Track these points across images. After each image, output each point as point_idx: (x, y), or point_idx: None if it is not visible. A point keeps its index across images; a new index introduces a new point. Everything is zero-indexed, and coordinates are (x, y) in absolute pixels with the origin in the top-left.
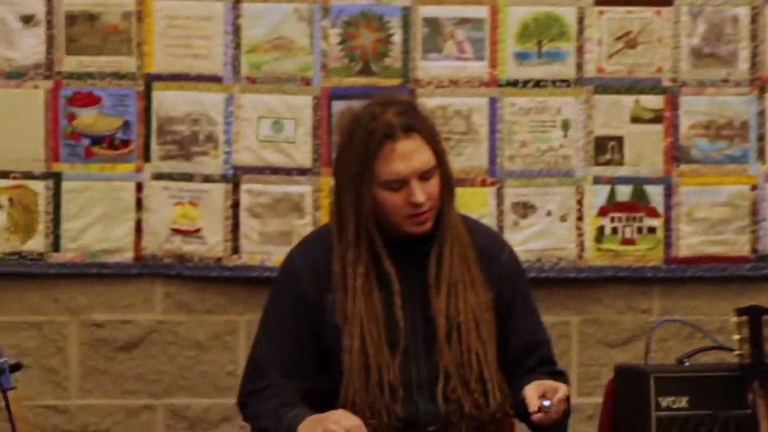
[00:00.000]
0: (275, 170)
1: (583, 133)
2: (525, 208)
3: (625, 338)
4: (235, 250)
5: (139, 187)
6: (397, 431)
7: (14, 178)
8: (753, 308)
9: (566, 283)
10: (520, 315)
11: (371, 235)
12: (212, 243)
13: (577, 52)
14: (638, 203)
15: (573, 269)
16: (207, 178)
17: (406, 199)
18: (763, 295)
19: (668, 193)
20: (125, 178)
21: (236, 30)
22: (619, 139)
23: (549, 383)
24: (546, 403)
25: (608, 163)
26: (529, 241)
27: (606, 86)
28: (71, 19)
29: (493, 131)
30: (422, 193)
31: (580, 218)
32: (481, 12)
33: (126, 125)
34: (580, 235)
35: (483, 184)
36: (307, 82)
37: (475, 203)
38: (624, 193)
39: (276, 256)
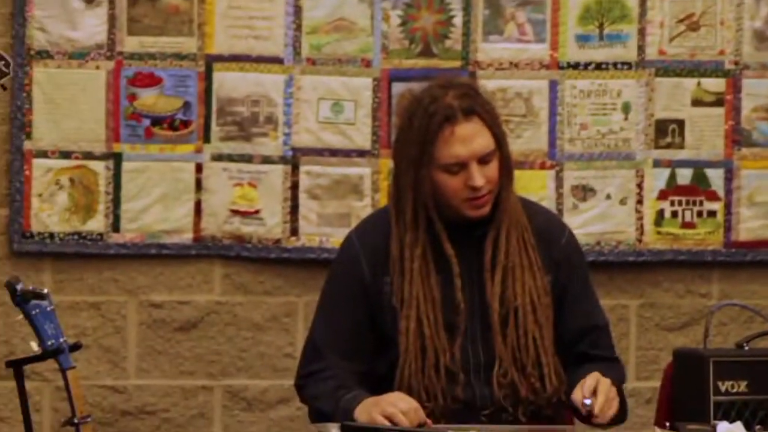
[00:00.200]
0: (334, 152)
1: (644, 116)
2: (584, 192)
3: (683, 322)
4: (294, 231)
5: (199, 168)
6: (452, 414)
7: (75, 158)
8: None
9: (625, 267)
10: (577, 298)
11: (430, 217)
12: (271, 224)
13: (639, 35)
14: (698, 187)
15: (632, 253)
16: (266, 160)
17: (465, 183)
18: None
19: (729, 177)
20: (185, 158)
21: (297, 11)
22: (680, 123)
23: (590, 384)
24: (587, 401)
25: (669, 146)
26: (588, 224)
27: (667, 69)
28: None
29: (553, 114)
30: (481, 177)
31: (639, 201)
32: None
33: (186, 106)
34: (640, 218)
35: (542, 167)
36: (368, 63)
37: (534, 186)
38: (684, 176)
39: (334, 238)
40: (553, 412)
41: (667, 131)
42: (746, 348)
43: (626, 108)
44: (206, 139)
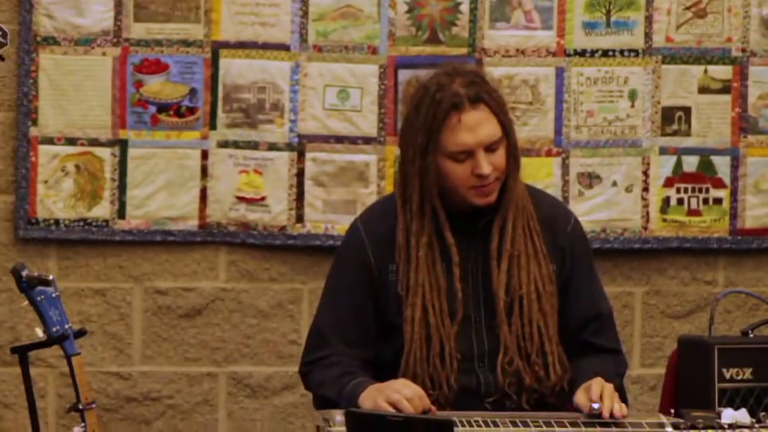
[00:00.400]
0: (340, 139)
1: (650, 103)
2: (590, 179)
3: (688, 309)
4: (299, 218)
5: (205, 155)
6: (457, 401)
7: (81, 144)
8: None
9: (631, 254)
10: (582, 286)
11: (435, 206)
12: (276, 211)
13: (646, 22)
14: (704, 174)
15: (638, 240)
16: (272, 147)
17: (472, 171)
18: None
19: (735, 164)
20: (191, 145)
21: None
22: (687, 110)
23: (596, 390)
24: (595, 405)
25: (675, 133)
26: (594, 211)
27: (674, 56)
28: None
29: (559, 101)
30: (488, 165)
31: (645, 189)
32: None
33: (193, 93)
34: (646, 205)
35: (548, 154)
36: (374, 50)
37: (540, 173)
38: (690, 163)
39: (340, 225)
40: (557, 400)
41: (674, 118)
42: (751, 335)
43: (633, 95)
44: (212, 125)
